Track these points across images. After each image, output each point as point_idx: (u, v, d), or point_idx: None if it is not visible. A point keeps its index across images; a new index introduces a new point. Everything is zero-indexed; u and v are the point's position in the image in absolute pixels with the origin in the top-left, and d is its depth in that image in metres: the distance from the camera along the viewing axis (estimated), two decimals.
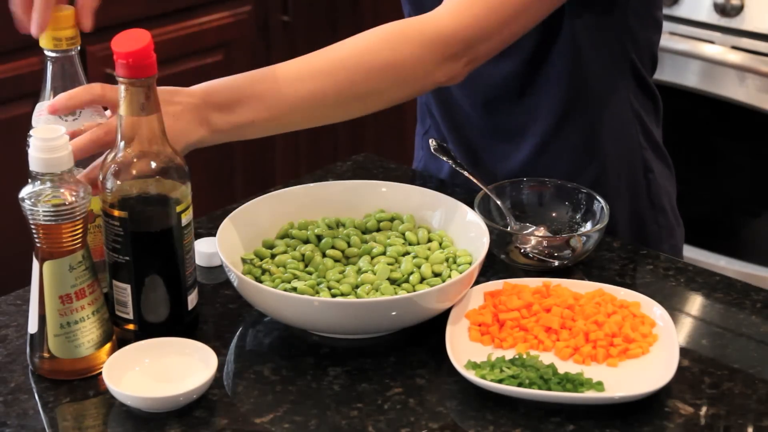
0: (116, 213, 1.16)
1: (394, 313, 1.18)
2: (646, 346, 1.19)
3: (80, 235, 1.13)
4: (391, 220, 1.35)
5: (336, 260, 1.29)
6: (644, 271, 1.36)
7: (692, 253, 2.61)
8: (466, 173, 1.43)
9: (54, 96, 1.20)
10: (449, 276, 1.25)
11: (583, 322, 1.22)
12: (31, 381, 1.16)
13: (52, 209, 1.10)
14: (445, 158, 1.47)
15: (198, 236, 1.37)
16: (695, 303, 1.33)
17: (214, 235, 1.28)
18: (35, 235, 1.12)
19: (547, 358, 1.18)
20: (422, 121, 1.66)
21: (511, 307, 1.24)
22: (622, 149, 1.51)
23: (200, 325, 1.24)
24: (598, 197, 1.39)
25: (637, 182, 1.53)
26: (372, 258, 1.29)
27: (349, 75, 1.26)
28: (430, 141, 1.50)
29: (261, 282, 1.24)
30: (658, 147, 1.56)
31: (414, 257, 1.27)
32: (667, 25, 2.17)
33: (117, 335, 1.19)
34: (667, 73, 2.57)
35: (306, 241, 1.31)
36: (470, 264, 1.25)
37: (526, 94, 1.48)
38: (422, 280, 1.24)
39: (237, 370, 1.19)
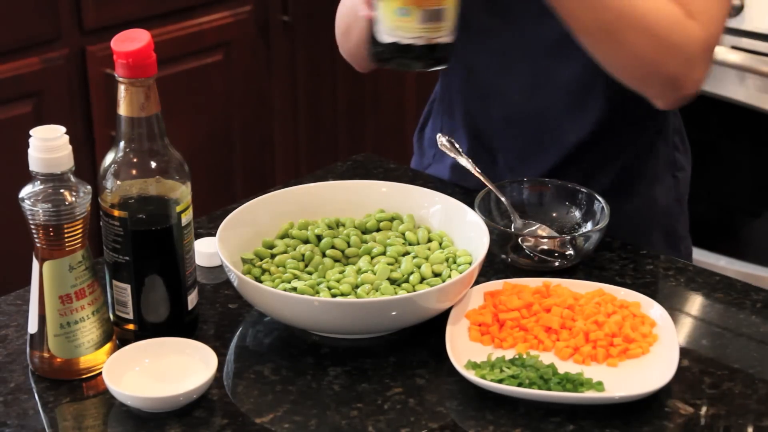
0: (116, 213, 1.16)
1: (394, 313, 1.18)
2: (646, 346, 1.19)
3: (80, 235, 1.13)
4: (391, 220, 1.35)
5: (336, 260, 1.29)
6: (644, 271, 1.36)
7: (692, 253, 2.61)
8: (473, 169, 1.43)
9: None
10: (449, 276, 1.25)
11: (583, 322, 1.22)
12: (31, 381, 1.16)
13: (52, 209, 1.10)
14: (452, 154, 1.46)
15: (198, 236, 1.37)
16: (695, 303, 1.33)
17: (214, 235, 1.28)
18: (35, 235, 1.12)
19: (547, 358, 1.18)
20: (434, 124, 1.65)
21: (511, 307, 1.24)
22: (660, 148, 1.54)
23: (200, 325, 1.24)
24: (598, 197, 1.39)
25: (667, 180, 1.55)
26: (372, 258, 1.29)
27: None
28: (438, 136, 1.49)
29: (261, 282, 1.24)
30: (684, 140, 1.58)
31: (414, 257, 1.27)
32: None
33: (117, 335, 1.19)
34: None
35: (306, 241, 1.31)
36: (470, 264, 1.25)
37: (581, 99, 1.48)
38: (422, 280, 1.24)
39: (237, 370, 1.19)
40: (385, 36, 1.22)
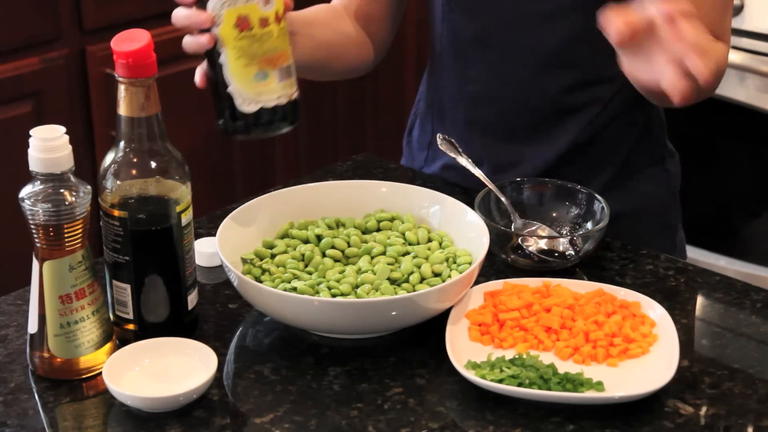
0: (116, 213, 1.16)
1: (394, 313, 1.18)
2: (646, 346, 1.19)
3: (80, 235, 1.13)
4: (391, 220, 1.35)
5: (336, 260, 1.29)
6: (644, 271, 1.36)
7: (692, 253, 2.61)
8: (473, 168, 1.43)
9: None
10: (449, 276, 1.25)
11: (583, 322, 1.22)
12: (31, 381, 1.16)
13: (52, 209, 1.10)
14: (452, 154, 1.47)
15: (198, 236, 1.37)
16: (695, 303, 1.33)
17: (214, 235, 1.28)
18: (35, 235, 1.12)
19: (547, 358, 1.18)
20: (422, 127, 1.66)
21: (511, 307, 1.24)
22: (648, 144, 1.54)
23: (200, 325, 1.24)
24: (598, 197, 1.39)
25: (658, 174, 1.56)
26: (372, 258, 1.29)
27: None
28: (438, 136, 1.49)
29: (261, 282, 1.24)
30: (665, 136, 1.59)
31: (414, 257, 1.27)
32: None
33: (117, 335, 1.19)
34: None
35: (306, 241, 1.31)
36: (470, 264, 1.25)
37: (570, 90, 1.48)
38: (422, 280, 1.24)
39: (237, 370, 1.19)
40: (248, 106, 1.24)
